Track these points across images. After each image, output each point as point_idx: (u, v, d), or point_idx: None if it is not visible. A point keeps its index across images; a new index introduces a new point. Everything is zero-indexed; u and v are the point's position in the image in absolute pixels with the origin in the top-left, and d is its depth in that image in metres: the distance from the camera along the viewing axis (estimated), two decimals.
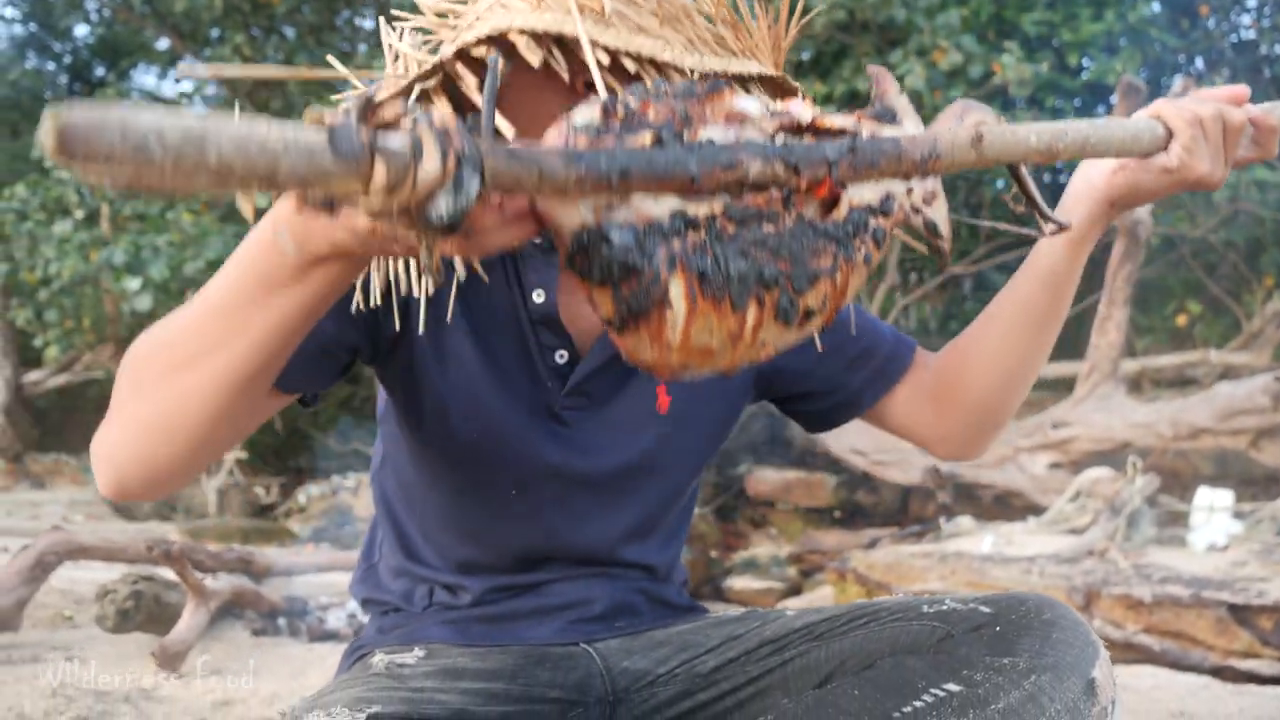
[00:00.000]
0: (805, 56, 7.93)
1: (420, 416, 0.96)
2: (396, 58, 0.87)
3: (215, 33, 8.67)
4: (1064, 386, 6.85)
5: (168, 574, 2.22)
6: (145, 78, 12.13)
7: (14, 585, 2.18)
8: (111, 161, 0.43)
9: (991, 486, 6.13)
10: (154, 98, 10.36)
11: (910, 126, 0.73)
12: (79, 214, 7.47)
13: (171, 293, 7.12)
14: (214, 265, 6.88)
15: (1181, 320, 8.08)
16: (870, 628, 0.90)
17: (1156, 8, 8.15)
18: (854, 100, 7.15)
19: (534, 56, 0.76)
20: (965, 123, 0.74)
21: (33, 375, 9.16)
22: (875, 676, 0.82)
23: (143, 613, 1.96)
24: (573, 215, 0.61)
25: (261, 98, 8.46)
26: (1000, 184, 7.89)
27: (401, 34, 0.89)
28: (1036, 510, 5.33)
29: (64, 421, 10.68)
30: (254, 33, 8.36)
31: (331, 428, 8.52)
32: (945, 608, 0.89)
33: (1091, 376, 5.82)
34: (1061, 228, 0.80)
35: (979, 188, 8.10)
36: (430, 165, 0.51)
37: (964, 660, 0.83)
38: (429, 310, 0.91)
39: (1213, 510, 5.10)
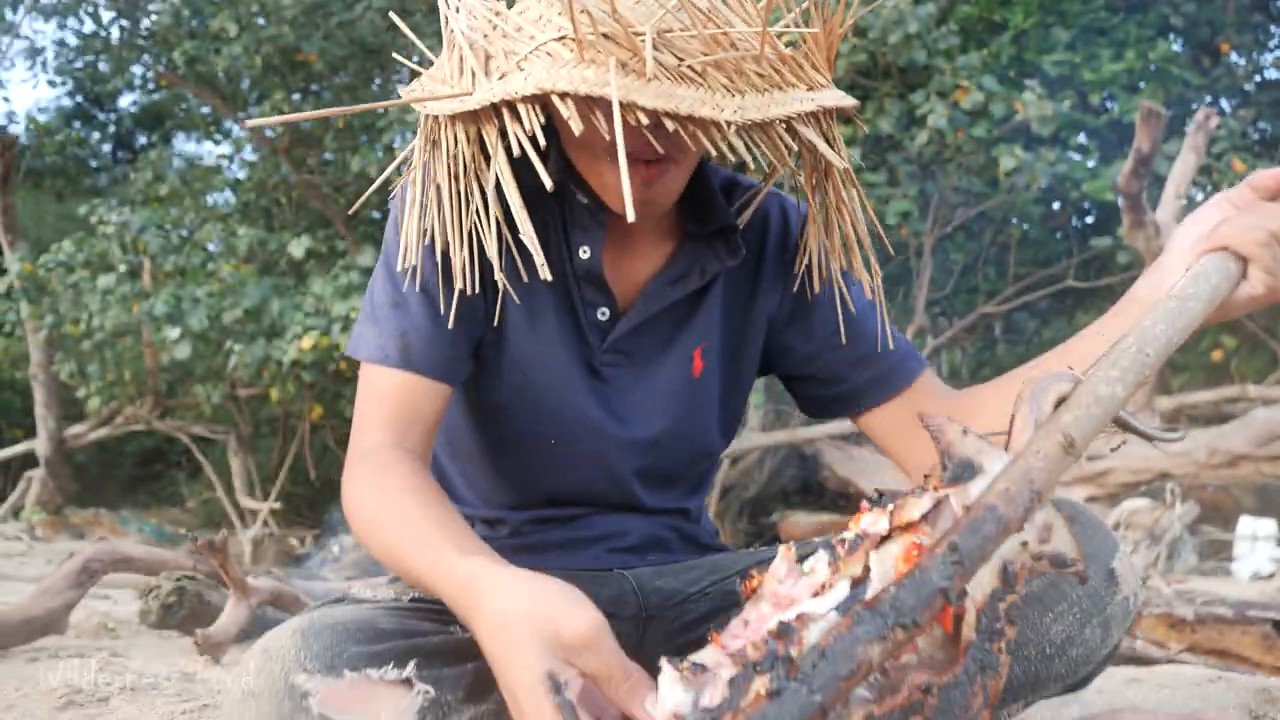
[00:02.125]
0: None
1: (473, 369, 1.01)
2: (451, 31, 0.92)
3: (255, 96, 8.98)
4: None
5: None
6: (186, 145, 12.54)
7: (61, 589, 2.23)
8: None
9: None
10: (193, 163, 10.70)
11: (992, 464, 0.66)
12: (122, 268, 7.69)
13: (210, 341, 7.28)
14: (250, 314, 7.04)
15: (1217, 355, 7.98)
16: None
17: (1178, 46, 8.22)
18: (878, 143, 7.24)
19: (575, 125, 0.76)
20: (1044, 403, 0.68)
21: (75, 429, 9.33)
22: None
23: (185, 608, 2.00)
24: None
25: (298, 154, 8.72)
26: (1027, 226, 7.90)
27: (459, 11, 0.93)
28: None
29: (103, 476, 10.85)
30: (294, 97, 8.65)
31: None
32: None
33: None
34: (1179, 439, 0.75)
35: (1005, 228, 8.12)
36: None
37: None
38: (475, 271, 0.95)
39: (1256, 539, 4.99)
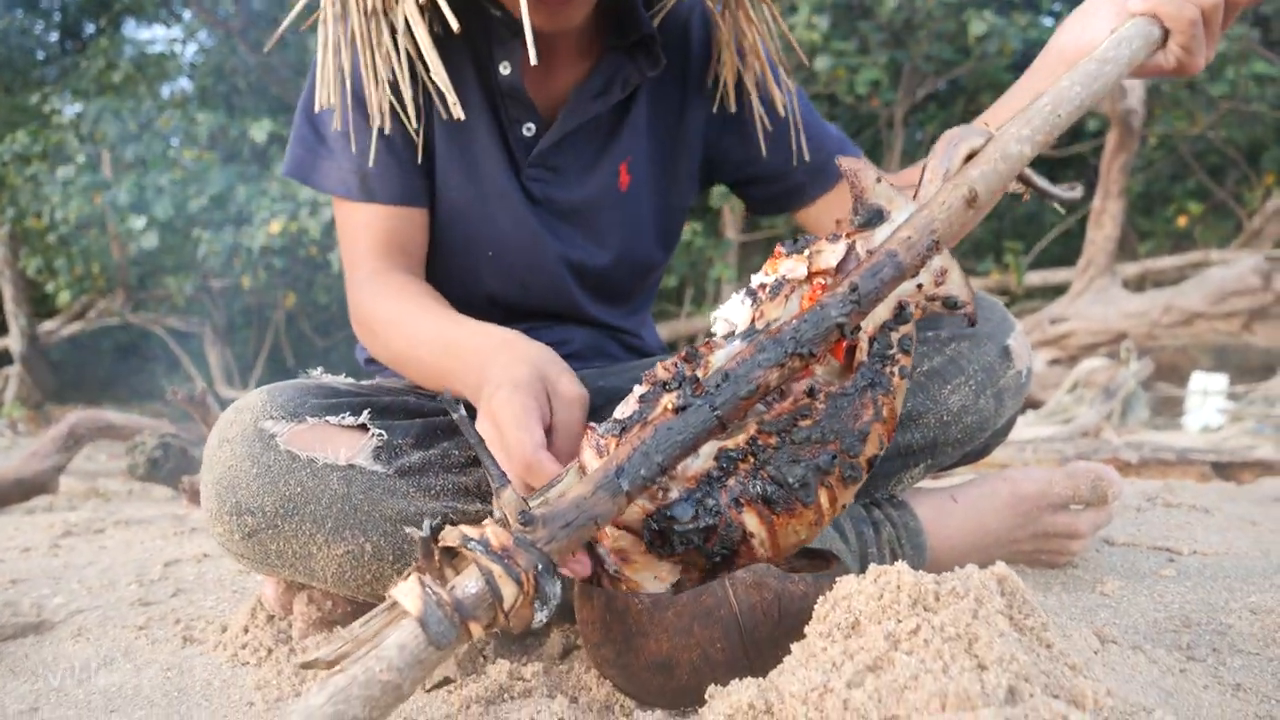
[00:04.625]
0: None
1: None
2: None
3: None
4: (1064, 293, 6.89)
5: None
6: (137, 32, 12.05)
7: (49, 452, 2.31)
8: None
9: None
10: (145, 50, 10.31)
11: (899, 213, 0.70)
12: (80, 159, 7.53)
13: (176, 231, 7.21)
14: (216, 200, 6.96)
15: (1182, 221, 8.07)
16: None
17: None
18: (848, 11, 7.10)
19: None
20: (956, 157, 0.71)
21: (47, 325, 9.29)
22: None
23: (171, 462, 2.09)
24: (633, 511, 0.65)
25: (255, 36, 8.44)
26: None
27: None
28: (1035, 405, 5.42)
29: (80, 372, 10.86)
30: None
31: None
32: None
33: (1088, 271, 5.86)
34: (1076, 199, 0.77)
35: (977, 97, 8.06)
36: (510, 595, 0.57)
37: None
38: (423, 95, 0.99)
39: (1206, 394, 5.18)
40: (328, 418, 0.84)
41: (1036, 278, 7.32)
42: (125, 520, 1.63)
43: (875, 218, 0.70)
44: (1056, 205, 0.77)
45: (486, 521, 0.61)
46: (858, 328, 0.66)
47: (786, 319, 0.67)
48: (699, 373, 0.66)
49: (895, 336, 0.68)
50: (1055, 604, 0.88)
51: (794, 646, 0.63)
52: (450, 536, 0.59)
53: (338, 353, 8.86)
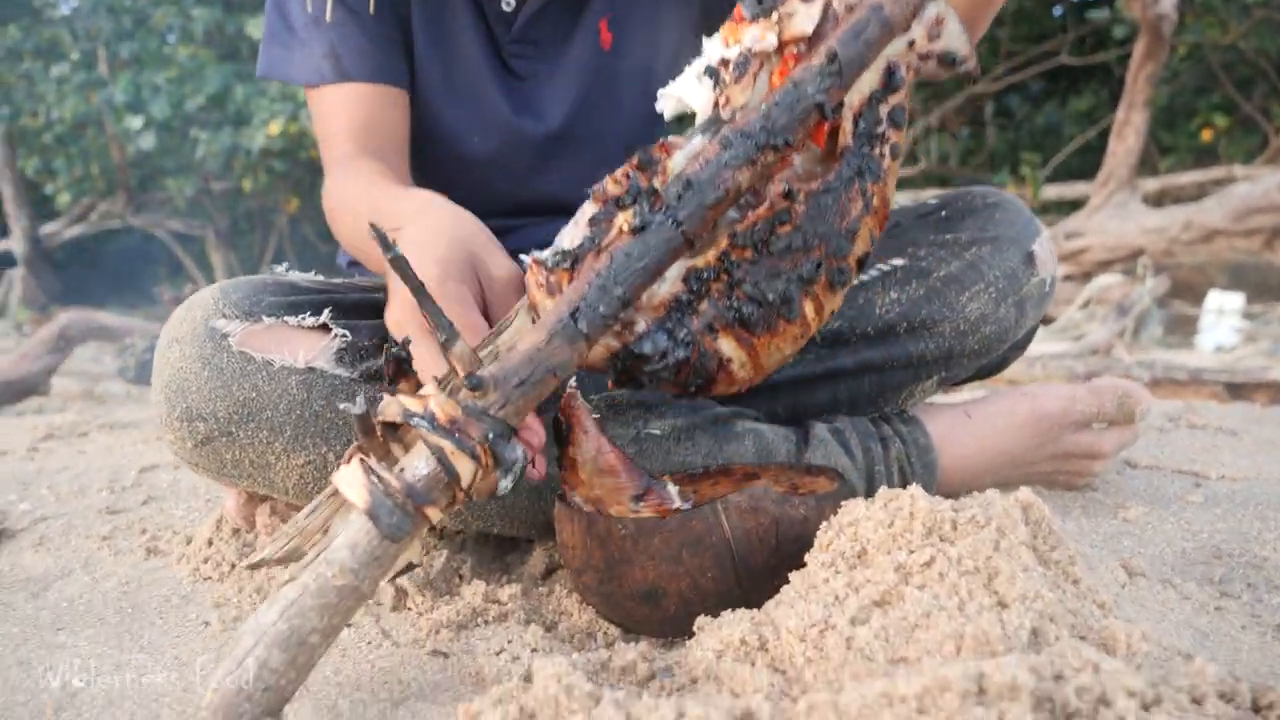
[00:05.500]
0: None
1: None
2: None
3: None
4: (1081, 207, 6.73)
5: None
6: None
7: (40, 354, 2.26)
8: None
9: None
10: None
11: None
12: (75, 56, 7.32)
13: (174, 131, 7.05)
14: (214, 99, 6.77)
15: (1207, 135, 7.83)
16: None
17: None
18: None
19: None
20: None
21: (49, 227, 9.19)
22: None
23: None
24: (596, 350, 0.56)
25: None
26: None
27: None
28: (1046, 320, 5.32)
29: (85, 276, 10.80)
30: None
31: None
32: (895, 205, 0.91)
33: (1107, 185, 5.70)
34: None
35: None
36: (467, 472, 0.50)
37: (910, 240, 0.87)
38: None
39: (1222, 312, 5.08)
40: (286, 317, 0.77)
41: (1053, 191, 7.14)
42: (111, 424, 1.58)
43: None
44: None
45: (427, 389, 0.53)
46: (840, 104, 0.56)
47: (755, 104, 0.57)
48: (656, 182, 0.56)
49: (884, 110, 0.58)
50: (1074, 530, 0.83)
51: (792, 576, 0.57)
52: (390, 410, 0.52)
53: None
